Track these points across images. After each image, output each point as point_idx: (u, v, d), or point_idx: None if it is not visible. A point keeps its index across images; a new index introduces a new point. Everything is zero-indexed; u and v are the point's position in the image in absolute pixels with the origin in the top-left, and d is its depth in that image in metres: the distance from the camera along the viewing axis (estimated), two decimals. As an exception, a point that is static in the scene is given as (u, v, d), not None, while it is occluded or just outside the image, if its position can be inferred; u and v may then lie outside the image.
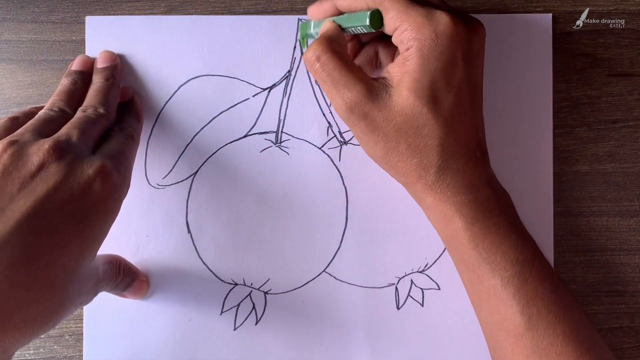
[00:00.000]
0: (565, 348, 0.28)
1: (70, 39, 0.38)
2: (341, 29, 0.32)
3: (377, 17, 0.30)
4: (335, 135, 0.37)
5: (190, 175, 0.37)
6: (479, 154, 0.31)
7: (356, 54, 0.35)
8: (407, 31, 0.29)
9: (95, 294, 0.30)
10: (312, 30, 0.34)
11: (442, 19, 0.29)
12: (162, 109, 0.37)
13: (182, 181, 0.37)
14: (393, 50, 0.34)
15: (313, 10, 0.33)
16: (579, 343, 0.29)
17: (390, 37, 0.31)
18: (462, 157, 0.30)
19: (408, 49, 0.29)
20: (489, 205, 0.30)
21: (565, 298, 0.29)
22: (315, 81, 0.37)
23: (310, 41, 0.36)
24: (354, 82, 0.30)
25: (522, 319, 0.29)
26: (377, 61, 0.35)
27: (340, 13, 0.32)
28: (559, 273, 0.37)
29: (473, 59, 0.30)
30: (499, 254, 0.29)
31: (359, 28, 0.31)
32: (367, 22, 0.30)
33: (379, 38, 0.35)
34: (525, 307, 0.29)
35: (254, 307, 0.37)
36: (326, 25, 0.32)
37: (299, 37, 0.37)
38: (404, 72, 0.29)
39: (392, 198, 0.37)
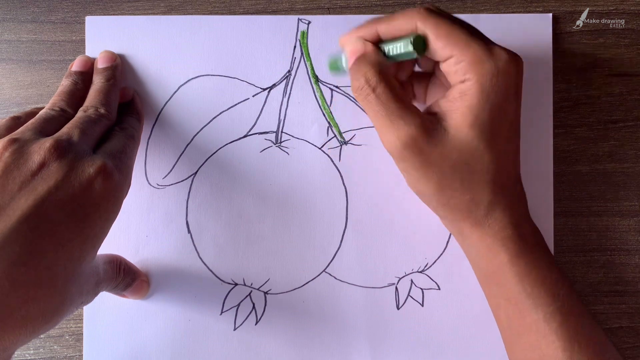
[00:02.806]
0: None
1: (70, 39, 0.38)
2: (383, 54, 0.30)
3: (420, 42, 0.29)
4: (335, 135, 0.37)
5: (190, 175, 0.37)
6: (519, 189, 0.31)
7: None
8: (464, 63, 0.28)
9: (95, 294, 0.30)
10: (344, 64, 0.32)
11: (502, 55, 0.28)
12: (162, 109, 0.37)
13: (182, 181, 0.37)
14: (426, 85, 0.33)
15: (348, 39, 0.31)
16: None
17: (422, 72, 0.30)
18: (509, 192, 0.30)
19: (464, 82, 0.28)
20: (532, 240, 0.30)
21: (600, 334, 0.30)
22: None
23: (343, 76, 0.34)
24: (411, 116, 0.29)
25: (563, 355, 0.28)
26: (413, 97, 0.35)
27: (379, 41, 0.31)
28: (559, 273, 0.37)
29: (520, 94, 0.30)
30: (542, 289, 0.29)
31: (402, 57, 0.29)
32: (411, 48, 0.28)
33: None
34: (567, 343, 0.28)
35: (254, 307, 0.37)
36: (368, 47, 0.30)
37: (329, 69, 0.35)
38: (463, 107, 0.28)
39: (392, 198, 0.37)
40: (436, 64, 0.31)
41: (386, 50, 0.30)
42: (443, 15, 0.29)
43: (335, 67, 0.34)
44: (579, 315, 0.29)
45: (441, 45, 0.28)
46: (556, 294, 0.29)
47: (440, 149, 0.29)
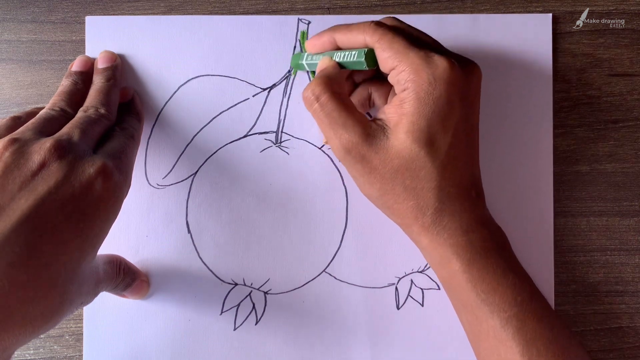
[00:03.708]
0: None
1: (70, 39, 0.38)
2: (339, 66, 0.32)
3: (372, 55, 0.30)
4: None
5: (190, 175, 0.37)
6: (475, 194, 0.31)
7: (350, 94, 0.35)
8: (404, 72, 0.29)
9: (95, 294, 0.30)
10: (304, 61, 0.34)
11: (440, 62, 0.29)
12: (162, 109, 0.37)
13: (182, 181, 0.37)
14: (387, 91, 0.34)
15: (311, 43, 0.33)
16: None
17: (383, 78, 0.32)
18: (459, 198, 0.30)
19: (404, 90, 0.29)
20: (486, 246, 0.30)
21: (564, 337, 0.29)
22: None
23: (307, 74, 0.36)
24: (352, 123, 0.30)
25: None
26: (371, 102, 0.35)
27: (337, 48, 0.32)
28: (559, 273, 0.37)
29: (469, 101, 0.30)
30: (497, 296, 0.29)
31: (354, 66, 0.31)
32: (363, 59, 0.30)
33: (372, 78, 0.35)
34: (525, 348, 0.28)
35: (254, 307, 0.37)
36: (324, 62, 0.32)
37: (290, 65, 0.37)
38: (401, 114, 0.29)
39: (392, 198, 0.37)
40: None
41: (341, 58, 0.31)
42: (388, 28, 0.30)
43: (296, 64, 0.36)
44: (540, 319, 0.29)
45: (385, 57, 0.30)
46: (512, 299, 0.29)
47: (381, 155, 0.29)
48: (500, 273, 0.30)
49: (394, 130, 0.29)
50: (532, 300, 0.30)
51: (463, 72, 0.29)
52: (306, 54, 0.34)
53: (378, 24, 0.30)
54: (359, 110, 0.31)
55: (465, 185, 0.30)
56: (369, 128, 0.30)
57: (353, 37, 0.31)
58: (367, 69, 0.30)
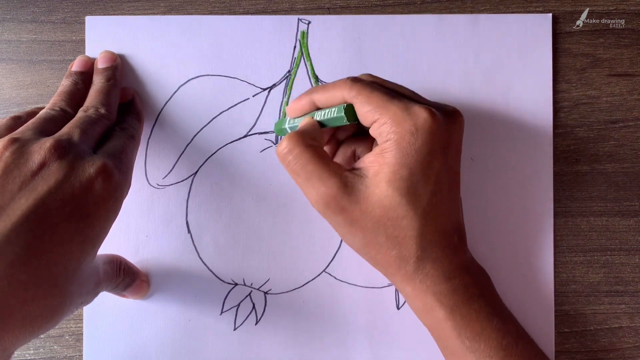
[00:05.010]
0: None
1: (70, 39, 0.38)
2: (320, 125, 0.32)
3: (351, 110, 0.30)
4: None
5: (190, 175, 0.37)
6: (457, 239, 0.31)
7: (334, 153, 0.35)
8: (386, 124, 0.29)
9: (95, 294, 0.30)
10: (286, 126, 0.34)
11: (421, 113, 0.29)
12: (162, 109, 0.37)
13: (182, 181, 0.37)
14: (370, 145, 0.34)
15: (291, 107, 0.33)
16: None
17: (366, 134, 0.31)
18: (440, 245, 0.30)
19: (387, 141, 0.29)
20: (468, 292, 0.30)
21: None
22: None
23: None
24: (329, 175, 0.29)
25: None
26: (355, 157, 0.35)
27: (317, 109, 0.32)
28: (559, 273, 0.37)
29: (451, 150, 0.30)
30: (482, 342, 0.29)
31: (335, 122, 0.31)
32: (342, 113, 0.30)
33: (355, 135, 0.35)
34: None
35: (254, 307, 0.37)
36: (304, 122, 0.32)
37: (274, 130, 0.37)
38: (382, 164, 0.29)
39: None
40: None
41: (322, 117, 0.31)
42: (365, 83, 0.30)
43: (279, 130, 0.35)
44: None
45: (365, 111, 0.29)
46: (498, 344, 0.29)
47: (362, 205, 0.29)
48: (484, 318, 0.30)
49: (373, 180, 0.29)
50: (517, 344, 0.30)
51: (444, 121, 0.29)
52: (288, 118, 0.34)
53: (354, 79, 0.30)
54: (344, 166, 0.31)
55: (447, 232, 0.30)
56: (346, 179, 0.29)
57: (331, 96, 0.31)
58: (347, 123, 0.30)
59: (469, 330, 0.29)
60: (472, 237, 0.36)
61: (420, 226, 0.29)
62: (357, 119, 0.30)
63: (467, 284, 0.30)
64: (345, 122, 0.30)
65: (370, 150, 0.33)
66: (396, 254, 0.30)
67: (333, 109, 0.31)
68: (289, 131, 0.34)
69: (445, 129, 0.29)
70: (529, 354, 0.30)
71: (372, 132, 0.30)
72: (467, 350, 0.29)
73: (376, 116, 0.29)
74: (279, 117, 0.37)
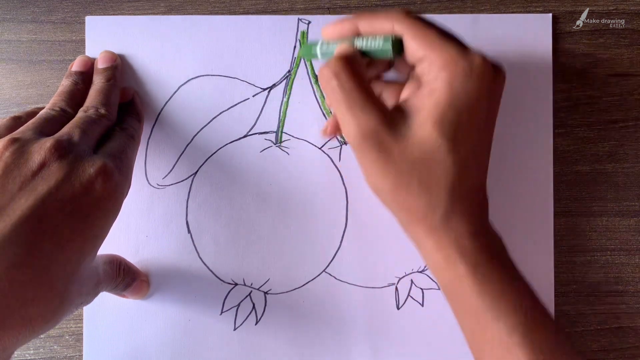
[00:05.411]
0: None
1: (70, 39, 0.38)
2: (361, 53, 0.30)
3: (398, 42, 0.28)
4: (335, 135, 0.37)
5: (190, 175, 0.37)
6: (482, 197, 0.30)
7: None
8: (437, 63, 0.27)
9: (95, 295, 0.30)
10: (318, 50, 0.31)
11: (476, 57, 0.28)
12: (162, 109, 0.37)
13: (182, 181, 0.37)
14: (397, 91, 0.32)
15: (329, 30, 0.31)
16: None
17: (394, 76, 0.30)
18: (469, 201, 0.29)
19: (435, 80, 0.28)
20: (492, 251, 0.29)
21: (566, 345, 0.29)
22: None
23: (317, 62, 0.34)
24: (372, 107, 0.28)
25: None
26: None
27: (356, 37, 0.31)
28: (559, 273, 0.37)
29: (495, 102, 0.29)
30: (503, 301, 0.28)
31: (377, 54, 0.29)
32: (389, 46, 0.28)
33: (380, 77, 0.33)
34: (531, 356, 0.27)
35: (254, 307, 0.37)
36: (344, 47, 0.30)
37: (297, 54, 0.35)
38: (430, 104, 0.27)
39: (392, 198, 0.37)
40: (411, 69, 0.30)
41: (364, 45, 0.30)
42: (420, 18, 0.29)
43: (308, 53, 0.33)
44: (544, 328, 0.28)
45: (416, 46, 0.28)
46: (518, 306, 0.28)
47: (401, 144, 0.28)
48: (506, 279, 0.29)
49: (417, 119, 0.28)
50: (536, 307, 0.29)
51: (494, 71, 0.29)
52: (320, 41, 0.32)
53: (409, 11, 0.29)
54: None
55: (476, 189, 0.29)
56: (391, 115, 0.28)
57: (379, 25, 0.29)
58: (391, 57, 0.29)
59: (491, 290, 0.28)
60: (472, 237, 0.36)
61: (454, 177, 0.28)
62: (402, 53, 0.29)
63: (489, 244, 0.29)
64: (389, 55, 0.28)
65: (398, 95, 0.32)
66: (425, 201, 0.28)
67: (378, 39, 0.29)
68: (319, 56, 0.32)
69: (494, 78, 0.28)
70: (546, 319, 0.29)
71: (418, 68, 0.29)
72: (487, 310, 0.28)
73: (428, 52, 0.28)
74: (279, 117, 0.37)
